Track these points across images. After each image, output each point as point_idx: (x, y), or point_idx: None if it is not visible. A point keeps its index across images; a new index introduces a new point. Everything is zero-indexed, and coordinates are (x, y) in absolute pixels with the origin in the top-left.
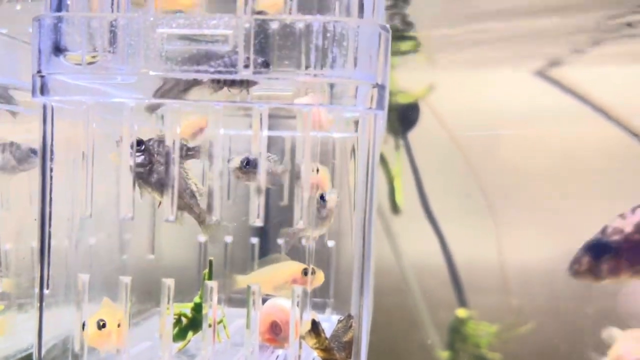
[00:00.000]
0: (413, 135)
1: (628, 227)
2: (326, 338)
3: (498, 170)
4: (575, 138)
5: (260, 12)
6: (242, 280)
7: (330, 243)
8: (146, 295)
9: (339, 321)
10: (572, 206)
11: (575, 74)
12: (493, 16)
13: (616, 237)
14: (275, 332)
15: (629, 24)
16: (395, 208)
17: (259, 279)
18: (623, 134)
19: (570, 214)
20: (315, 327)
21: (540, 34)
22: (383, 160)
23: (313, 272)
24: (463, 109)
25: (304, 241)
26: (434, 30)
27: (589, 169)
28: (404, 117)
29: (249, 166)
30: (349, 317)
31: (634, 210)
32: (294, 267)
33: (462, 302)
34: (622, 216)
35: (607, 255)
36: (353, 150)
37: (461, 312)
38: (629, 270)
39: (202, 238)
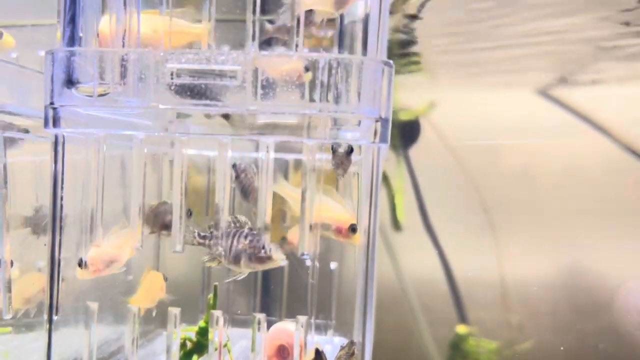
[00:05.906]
0: (414, 151)
1: None
2: None
3: (499, 186)
4: (575, 155)
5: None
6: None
7: (333, 265)
8: (150, 316)
9: (342, 347)
10: (573, 222)
11: (576, 93)
12: (495, 37)
13: None
14: (283, 356)
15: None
16: (396, 224)
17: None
18: (622, 150)
19: (571, 229)
20: (318, 356)
21: (541, 54)
22: (384, 176)
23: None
24: (464, 126)
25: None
26: (436, 50)
27: (589, 185)
28: (405, 134)
29: None
30: (352, 343)
31: None
32: (347, 217)
33: (463, 318)
34: None
35: None
36: (356, 172)
37: (461, 329)
38: None
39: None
